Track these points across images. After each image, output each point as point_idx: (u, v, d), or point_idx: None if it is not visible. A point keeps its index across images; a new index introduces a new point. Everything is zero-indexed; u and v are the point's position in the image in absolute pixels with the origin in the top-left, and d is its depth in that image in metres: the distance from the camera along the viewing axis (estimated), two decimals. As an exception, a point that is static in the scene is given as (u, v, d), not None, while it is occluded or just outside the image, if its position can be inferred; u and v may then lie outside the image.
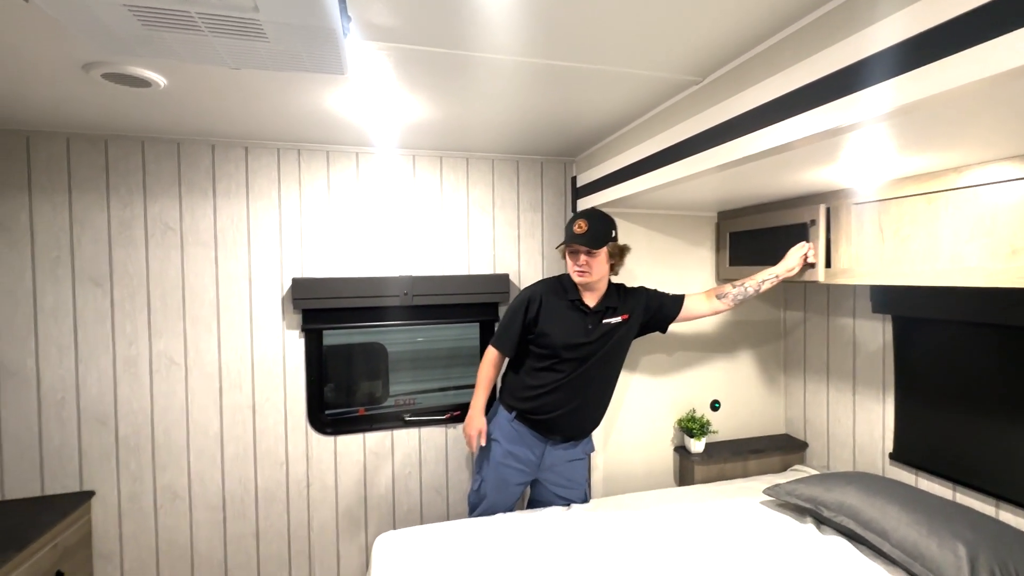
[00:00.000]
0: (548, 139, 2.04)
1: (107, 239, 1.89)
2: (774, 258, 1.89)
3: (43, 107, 1.58)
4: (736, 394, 2.41)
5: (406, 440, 2.22)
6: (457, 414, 2.28)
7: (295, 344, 2.07)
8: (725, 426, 2.39)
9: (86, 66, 1.27)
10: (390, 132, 1.90)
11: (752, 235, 2.12)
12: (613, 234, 1.79)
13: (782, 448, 2.33)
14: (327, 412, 2.21)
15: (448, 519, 2.25)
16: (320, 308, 2.05)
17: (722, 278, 2.33)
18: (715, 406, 2.37)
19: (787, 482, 1.92)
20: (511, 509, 1.92)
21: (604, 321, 1.82)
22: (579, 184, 2.26)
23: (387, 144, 2.08)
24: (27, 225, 1.82)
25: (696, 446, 2.21)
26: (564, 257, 1.83)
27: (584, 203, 2.19)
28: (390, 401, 2.49)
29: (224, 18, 0.95)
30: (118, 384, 1.91)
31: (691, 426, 2.21)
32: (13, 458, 1.82)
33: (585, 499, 1.98)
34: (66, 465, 1.87)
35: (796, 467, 2.29)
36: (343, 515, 2.15)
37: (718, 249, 2.35)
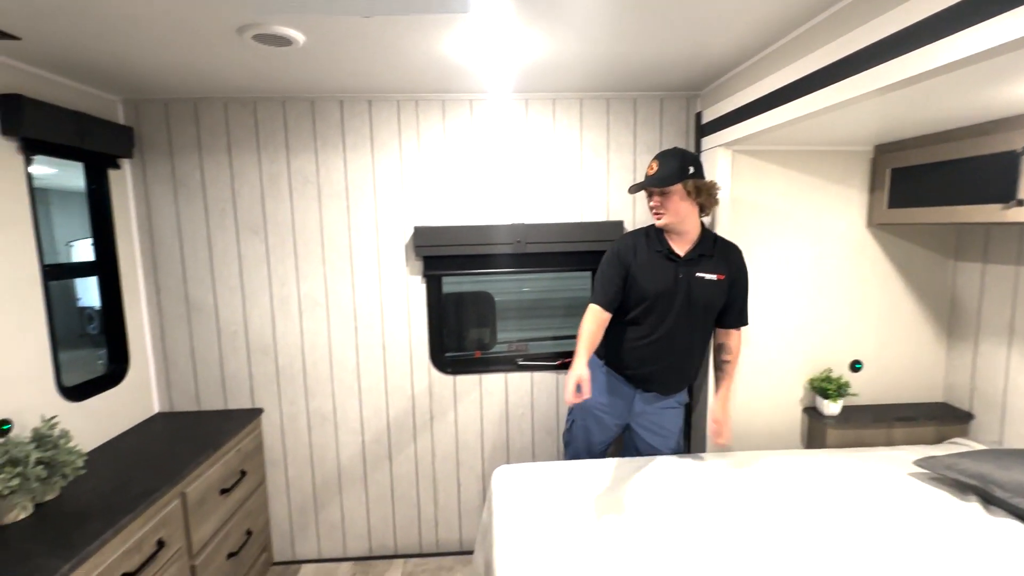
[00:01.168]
0: (670, 72, 1.86)
1: (260, 192, 2.13)
2: (959, 197, 1.59)
3: (206, 74, 1.78)
4: (884, 355, 2.14)
5: (519, 383, 2.30)
6: (568, 361, 2.31)
7: (417, 289, 2.21)
8: (867, 389, 2.14)
9: (239, 29, 1.39)
10: (504, 75, 1.87)
11: (925, 171, 1.79)
12: (690, 170, 1.65)
13: (937, 418, 2.05)
14: (446, 354, 2.37)
15: (558, 460, 2.34)
16: (439, 255, 2.15)
17: (876, 223, 2.03)
18: (856, 367, 2.12)
19: (946, 455, 1.69)
20: (604, 453, 1.98)
21: (698, 274, 1.71)
22: (704, 120, 2.06)
23: (500, 89, 2.05)
24: (199, 182, 2.11)
25: (830, 408, 2.02)
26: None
27: (712, 141, 2.00)
28: (502, 346, 2.59)
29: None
30: (275, 320, 2.20)
31: (826, 386, 2.01)
32: (204, 378, 2.21)
33: (678, 450, 1.95)
34: (241, 386, 2.23)
35: (955, 440, 2.00)
36: (462, 447, 2.32)
37: (873, 189, 2.03)
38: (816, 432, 2.08)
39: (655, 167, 1.67)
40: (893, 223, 1.96)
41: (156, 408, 2.20)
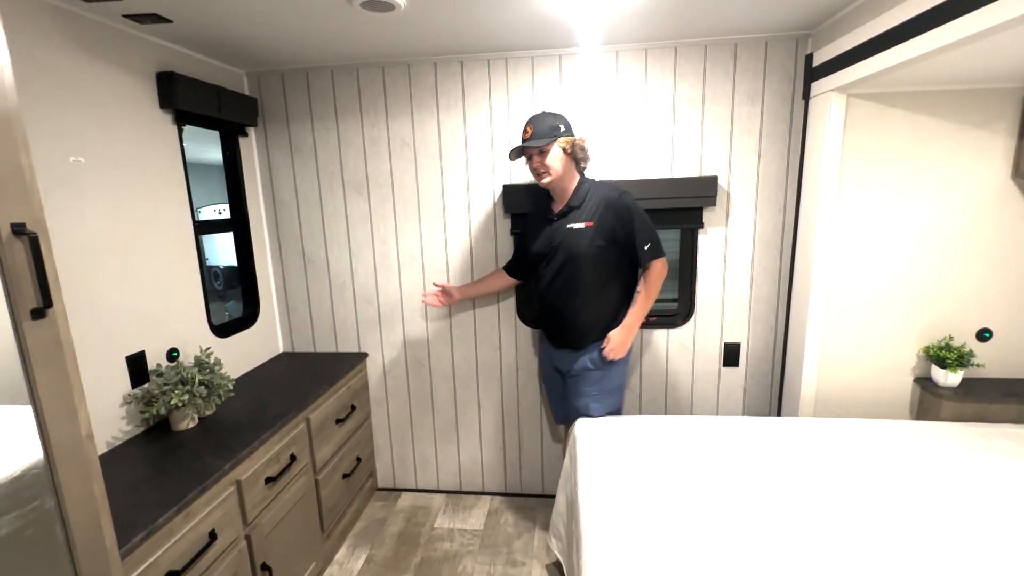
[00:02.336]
0: (778, 8, 1.71)
1: (363, 155, 2.30)
2: None
3: (316, 45, 1.94)
4: (1021, 325, 1.90)
5: (602, 340, 2.34)
6: (654, 319, 2.31)
7: (506, 245, 2.30)
8: (999, 362, 1.93)
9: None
10: (594, 26, 1.83)
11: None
12: (562, 128, 1.76)
13: (1087, 397, 1.80)
14: (533, 310, 2.46)
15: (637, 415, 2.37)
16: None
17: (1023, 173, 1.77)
18: (985, 336, 1.91)
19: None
20: (567, 416, 2.03)
21: (568, 226, 1.81)
22: (816, 63, 1.89)
23: (590, 42, 2.01)
24: (311, 146, 2.32)
25: (948, 378, 1.85)
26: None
27: (822, 86, 1.83)
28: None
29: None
30: (377, 273, 2.41)
31: (944, 355, 1.84)
32: (318, 324, 2.50)
33: (615, 411, 1.97)
34: (349, 332, 2.49)
35: (1108, 422, 1.76)
36: (545, 399, 2.44)
37: (1022, 134, 1.76)
38: (929, 404, 1.92)
39: (529, 131, 1.75)
40: (1046, 172, 1.70)
41: (280, 348, 2.53)
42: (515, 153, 1.81)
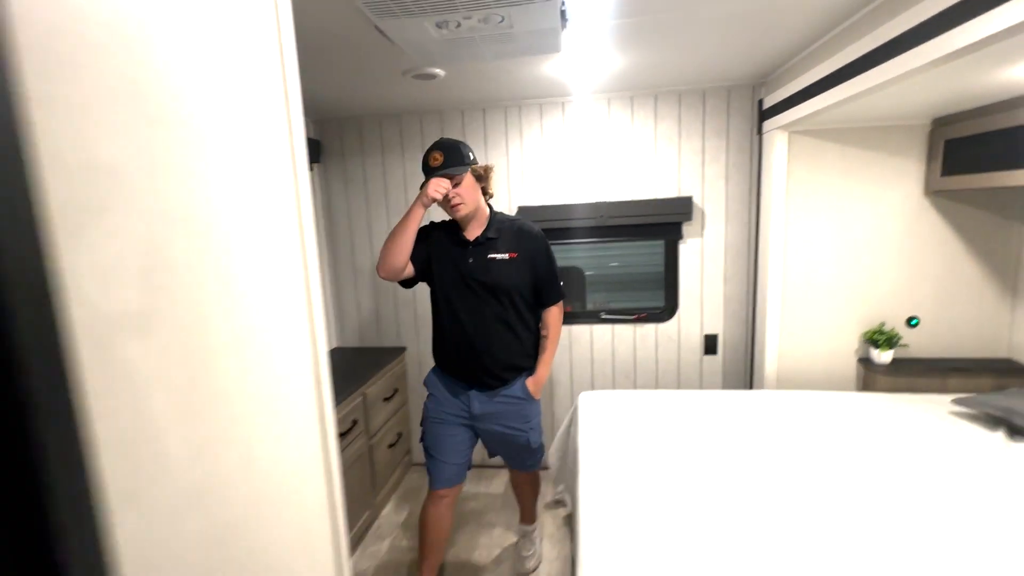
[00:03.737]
0: (736, 66, 2.21)
1: (403, 185, 2.83)
2: (1015, 162, 1.77)
3: (369, 100, 2.48)
4: (943, 313, 2.32)
5: (601, 333, 2.81)
6: (644, 316, 2.76)
7: (520, 256, 2.79)
8: (927, 345, 2.35)
9: (404, 72, 2.03)
10: (589, 82, 2.35)
11: (981, 140, 1.97)
12: (471, 156, 1.67)
13: (998, 371, 2.21)
14: (542, 309, 2.93)
15: (635, 398, 2.81)
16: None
17: (933, 190, 2.22)
18: (912, 323, 2.34)
19: (983, 394, 1.91)
20: (462, 463, 1.85)
21: (489, 256, 1.69)
22: (766, 106, 2.38)
23: (587, 92, 2.54)
24: (362, 178, 2.86)
25: (880, 357, 2.28)
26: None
27: (771, 124, 2.31)
28: (589, 305, 3.10)
29: (491, 35, 1.53)
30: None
31: (876, 337, 2.27)
32: (364, 322, 3.00)
33: (536, 443, 1.88)
34: (390, 329, 2.99)
35: (1012, 390, 2.16)
36: (555, 384, 2.89)
37: (930, 160, 2.22)
38: (869, 380, 2.34)
39: (440, 158, 1.61)
40: (948, 189, 2.15)
41: (334, 343, 3.03)
42: (433, 175, 1.63)
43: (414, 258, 1.70)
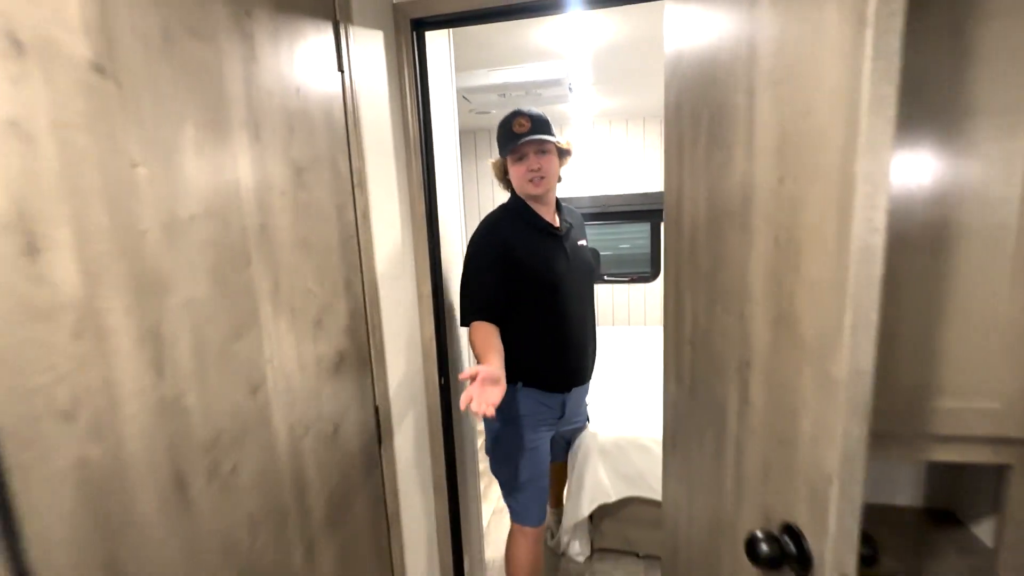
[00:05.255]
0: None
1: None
2: None
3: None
4: None
5: (602, 290, 3.83)
6: (635, 278, 3.77)
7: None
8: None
9: (469, 111, 3.08)
10: (592, 113, 3.36)
11: None
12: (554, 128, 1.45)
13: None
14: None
15: (629, 339, 3.83)
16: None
17: None
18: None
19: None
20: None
21: (580, 243, 1.53)
22: None
23: (590, 119, 3.54)
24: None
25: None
26: (503, 174, 1.47)
27: None
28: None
29: (527, 96, 2.57)
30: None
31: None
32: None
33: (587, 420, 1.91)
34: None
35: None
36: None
37: None
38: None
39: (526, 124, 1.35)
40: None
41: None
42: (511, 154, 1.39)
43: (496, 296, 1.34)
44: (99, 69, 0.50)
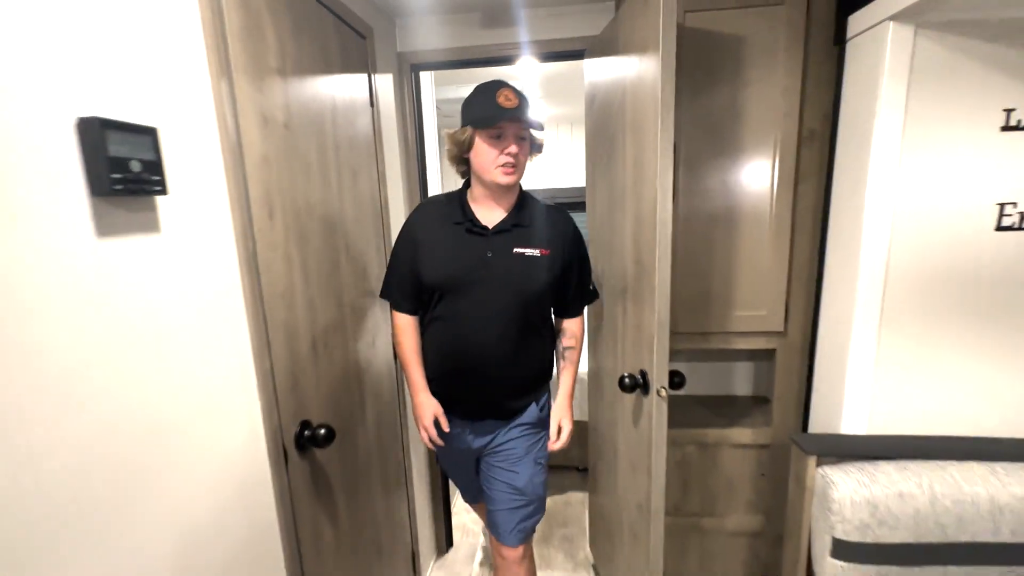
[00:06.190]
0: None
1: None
2: None
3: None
4: None
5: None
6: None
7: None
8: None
9: (445, 116, 3.54)
10: (543, 118, 3.89)
11: None
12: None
13: None
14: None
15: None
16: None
17: None
18: None
19: None
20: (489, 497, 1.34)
21: (516, 250, 1.20)
22: None
23: (548, 135, 4.08)
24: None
25: None
26: (464, 150, 1.17)
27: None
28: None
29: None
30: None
31: None
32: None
33: (542, 484, 1.34)
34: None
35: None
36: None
37: None
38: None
39: (514, 100, 1.11)
40: None
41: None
42: (486, 128, 1.11)
43: (402, 284, 1.25)
44: (287, 125, 0.98)
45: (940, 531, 1.02)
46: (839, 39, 1.21)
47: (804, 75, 1.26)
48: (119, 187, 0.58)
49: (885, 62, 1.04)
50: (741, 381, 1.72)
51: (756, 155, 1.31)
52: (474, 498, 1.53)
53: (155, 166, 0.64)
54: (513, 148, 1.12)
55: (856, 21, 1.15)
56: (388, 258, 1.44)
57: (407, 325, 1.26)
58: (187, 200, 0.73)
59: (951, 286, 1.09)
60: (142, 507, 0.65)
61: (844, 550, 1.07)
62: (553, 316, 1.35)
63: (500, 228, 1.19)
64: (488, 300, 1.18)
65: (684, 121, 1.31)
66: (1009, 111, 1.02)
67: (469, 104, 1.15)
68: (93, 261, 0.58)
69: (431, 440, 1.25)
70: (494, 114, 1.09)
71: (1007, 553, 1.02)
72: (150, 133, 0.63)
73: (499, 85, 1.12)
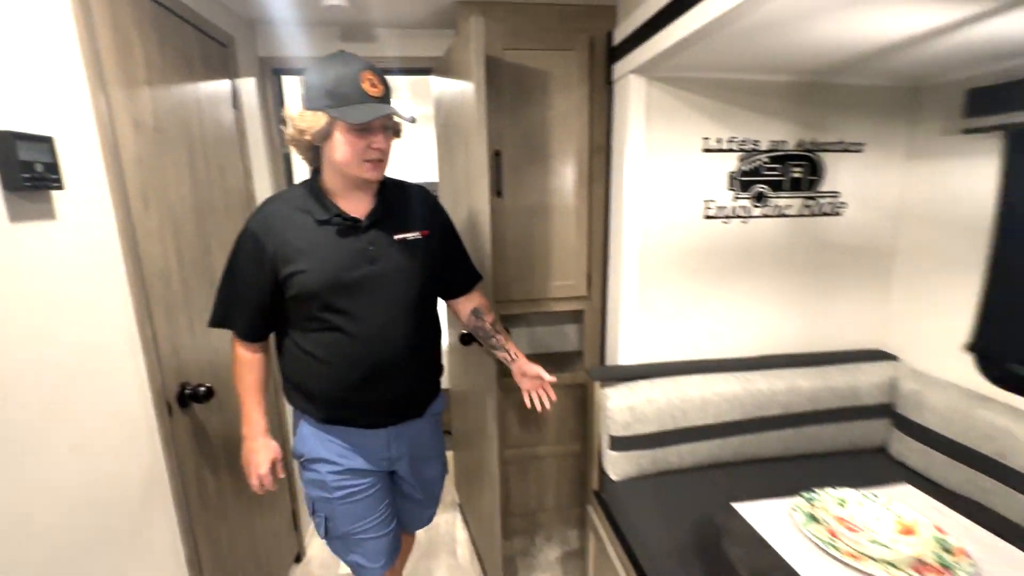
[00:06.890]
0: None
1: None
2: None
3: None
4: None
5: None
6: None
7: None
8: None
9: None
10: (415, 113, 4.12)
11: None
12: None
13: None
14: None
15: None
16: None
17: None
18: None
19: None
20: (390, 523, 1.29)
21: (396, 237, 1.12)
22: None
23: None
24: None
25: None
26: (320, 138, 1.03)
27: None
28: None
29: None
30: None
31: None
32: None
33: (442, 476, 1.41)
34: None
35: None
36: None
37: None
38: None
39: (380, 87, 1.01)
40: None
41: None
42: (375, 117, 0.98)
43: (249, 307, 1.10)
44: (157, 128, 1.14)
45: (672, 421, 1.52)
46: (609, 80, 1.66)
47: (591, 103, 1.69)
48: (28, 184, 0.74)
49: (631, 100, 1.49)
50: (569, 339, 2.17)
51: (562, 162, 1.72)
52: (390, 556, 1.31)
53: (53, 167, 0.80)
54: (381, 142, 1.02)
55: (616, 70, 1.60)
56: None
57: (252, 359, 1.13)
58: (77, 194, 0.89)
59: (682, 256, 1.60)
60: (48, 441, 0.82)
61: (617, 443, 1.52)
62: (456, 300, 1.32)
63: (375, 218, 1.09)
64: (384, 295, 1.09)
65: (508, 133, 1.67)
66: (706, 138, 1.54)
67: (323, 84, 0.98)
68: (7, 241, 0.74)
69: (268, 490, 1.15)
70: (358, 102, 0.98)
71: (714, 431, 1.55)
72: (47, 141, 0.80)
73: (359, 65, 0.99)
